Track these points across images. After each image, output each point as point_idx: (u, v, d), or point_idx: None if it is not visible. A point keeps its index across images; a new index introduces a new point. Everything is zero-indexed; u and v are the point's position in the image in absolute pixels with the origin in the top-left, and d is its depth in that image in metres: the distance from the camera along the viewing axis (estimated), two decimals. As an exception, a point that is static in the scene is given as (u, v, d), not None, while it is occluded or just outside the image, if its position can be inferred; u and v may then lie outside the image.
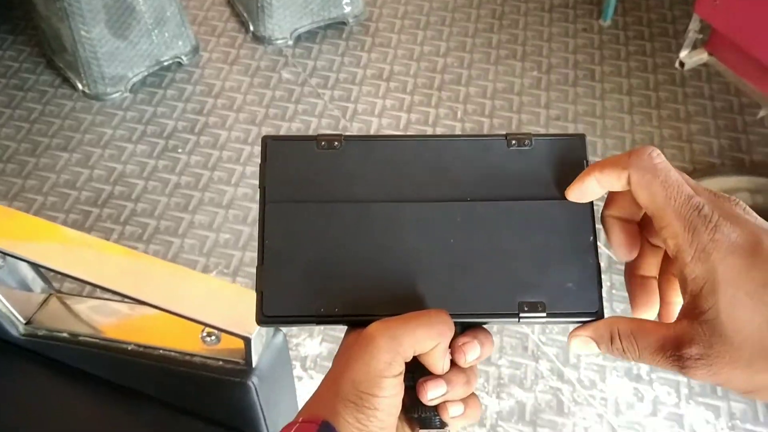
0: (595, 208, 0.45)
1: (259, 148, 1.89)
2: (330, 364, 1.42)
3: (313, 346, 1.52)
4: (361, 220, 0.44)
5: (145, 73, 1.98)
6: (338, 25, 2.17)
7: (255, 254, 1.66)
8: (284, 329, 0.89)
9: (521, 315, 0.43)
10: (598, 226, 0.45)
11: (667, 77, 2.03)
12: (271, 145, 0.47)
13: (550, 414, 1.42)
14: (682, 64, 1.25)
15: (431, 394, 0.41)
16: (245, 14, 2.14)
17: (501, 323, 0.46)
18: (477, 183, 0.46)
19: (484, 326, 0.45)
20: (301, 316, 0.44)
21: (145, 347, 0.78)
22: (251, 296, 0.44)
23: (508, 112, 1.96)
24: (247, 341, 0.69)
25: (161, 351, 0.77)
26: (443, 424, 0.43)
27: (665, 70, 2.05)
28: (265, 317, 0.44)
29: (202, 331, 0.76)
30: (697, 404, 1.44)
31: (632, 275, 0.45)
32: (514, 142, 0.47)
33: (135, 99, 1.97)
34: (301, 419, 0.40)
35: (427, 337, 0.40)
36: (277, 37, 2.09)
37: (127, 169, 1.82)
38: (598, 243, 0.45)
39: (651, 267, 0.44)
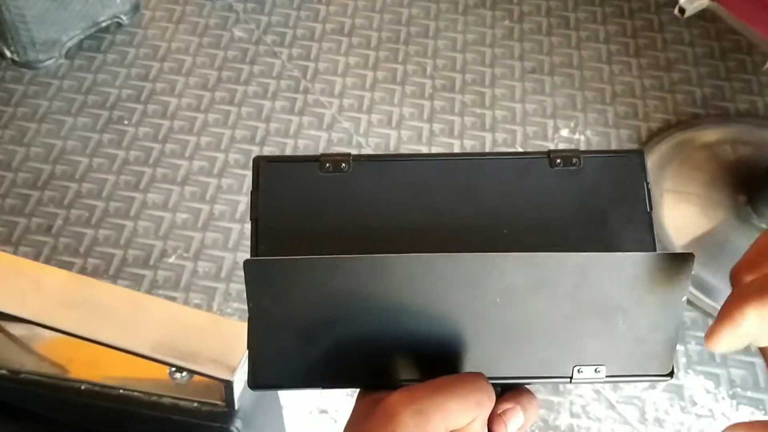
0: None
1: (214, 116, 1.70)
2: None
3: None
4: (378, 268, 0.34)
5: (81, 36, 1.79)
6: (292, -24, 1.99)
7: (217, 235, 1.53)
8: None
9: (574, 378, 0.36)
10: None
11: (645, 23, 1.92)
12: (264, 169, 0.38)
13: (546, 393, 1.34)
14: (682, 11, 1.14)
15: None
16: (189, -34, 1.94)
17: (548, 384, 0.37)
18: (521, 221, 0.38)
19: (527, 386, 0.37)
20: (302, 381, 0.35)
21: (102, 386, 0.65)
22: (226, 326, 0.32)
23: (480, 66, 1.82)
24: (228, 384, 0.57)
25: (122, 391, 0.64)
26: None
27: (642, 15, 1.94)
28: (258, 383, 0.35)
29: (171, 366, 0.63)
30: (696, 373, 1.37)
31: None
32: (558, 161, 0.39)
33: (72, 66, 1.78)
34: None
35: (461, 410, 0.32)
36: (225, -9, 1.91)
37: (68, 146, 1.64)
38: None
39: None
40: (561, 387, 1.34)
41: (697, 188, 1.65)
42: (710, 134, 1.74)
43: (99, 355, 0.68)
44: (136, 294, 0.62)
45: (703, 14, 1.65)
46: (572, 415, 1.32)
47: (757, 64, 1.80)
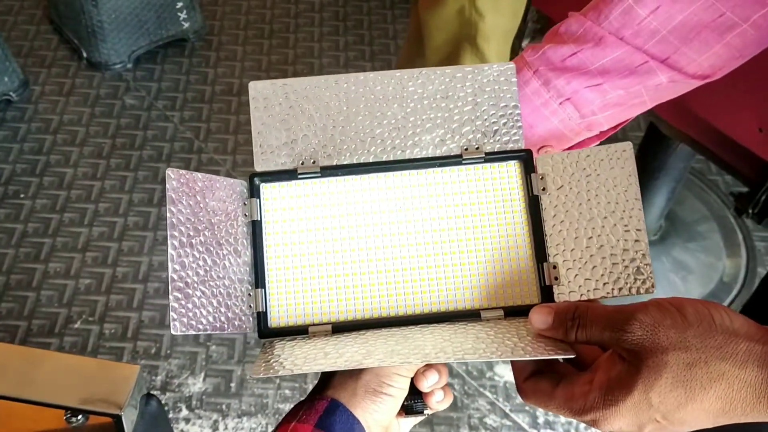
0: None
1: (111, 183, 1.78)
2: (216, 400, 1.36)
3: (197, 383, 1.45)
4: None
5: (-29, 116, 1.82)
6: (179, 43, 2.08)
7: (121, 297, 1.58)
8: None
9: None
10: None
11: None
12: (255, 182, 0.52)
13: (445, 411, 1.44)
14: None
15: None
16: (75, 40, 2.00)
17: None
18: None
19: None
20: (300, 326, 0.50)
21: (1, 439, 0.70)
22: (113, 369, 0.40)
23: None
24: (117, 419, 0.64)
25: (20, 441, 0.70)
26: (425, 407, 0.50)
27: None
28: (265, 331, 0.49)
29: (66, 412, 0.70)
30: (580, 377, 1.49)
31: None
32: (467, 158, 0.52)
33: (-37, 145, 1.81)
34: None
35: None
36: (114, 62, 1.98)
37: (-36, 224, 1.66)
38: None
39: None
40: (459, 403, 1.44)
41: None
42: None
43: (-2, 412, 0.74)
44: (27, 349, 0.68)
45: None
46: (471, 428, 1.42)
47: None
